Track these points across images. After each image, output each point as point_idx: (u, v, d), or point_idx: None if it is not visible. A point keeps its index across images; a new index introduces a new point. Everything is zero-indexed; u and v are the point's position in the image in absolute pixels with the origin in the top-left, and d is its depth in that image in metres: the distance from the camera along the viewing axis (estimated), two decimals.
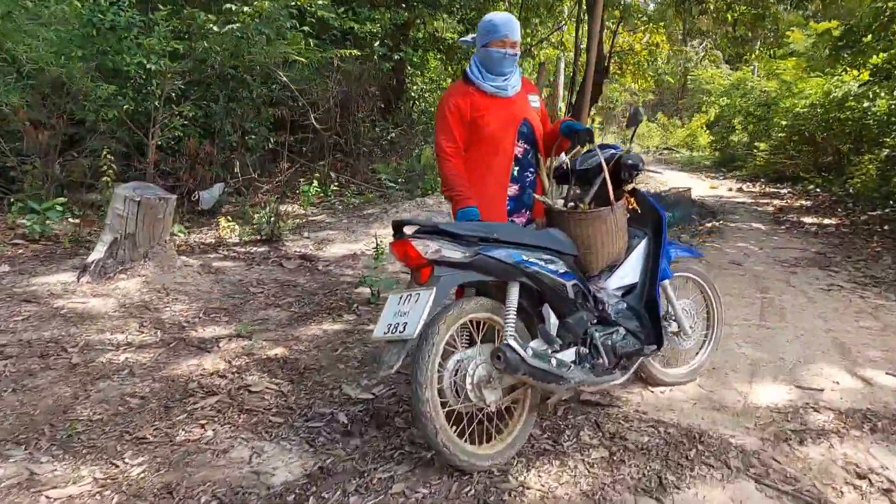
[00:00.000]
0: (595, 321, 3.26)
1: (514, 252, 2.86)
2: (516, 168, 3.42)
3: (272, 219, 6.39)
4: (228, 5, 7.61)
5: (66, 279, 4.88)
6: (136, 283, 4.82)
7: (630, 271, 3.45)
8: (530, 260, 2.90)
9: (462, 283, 2.80)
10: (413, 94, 13.11)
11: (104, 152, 6.87)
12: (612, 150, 3.53)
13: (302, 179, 9.38)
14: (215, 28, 7.46)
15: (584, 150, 3.79)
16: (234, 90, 8.45)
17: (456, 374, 2.74)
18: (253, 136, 8.68)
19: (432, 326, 2.65)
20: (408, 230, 2.78)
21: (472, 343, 2.86)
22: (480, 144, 3.34)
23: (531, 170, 3.47)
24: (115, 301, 4.52)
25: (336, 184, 9.45)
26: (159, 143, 7.70)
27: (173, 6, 7.44)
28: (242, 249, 6.15)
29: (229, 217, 6.69)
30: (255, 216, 6.65)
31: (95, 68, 7.16)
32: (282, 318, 4.55)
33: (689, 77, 29.02)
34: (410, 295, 2.70)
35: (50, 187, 6.69)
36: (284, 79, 8.29)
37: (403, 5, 11.45)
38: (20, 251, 5.66)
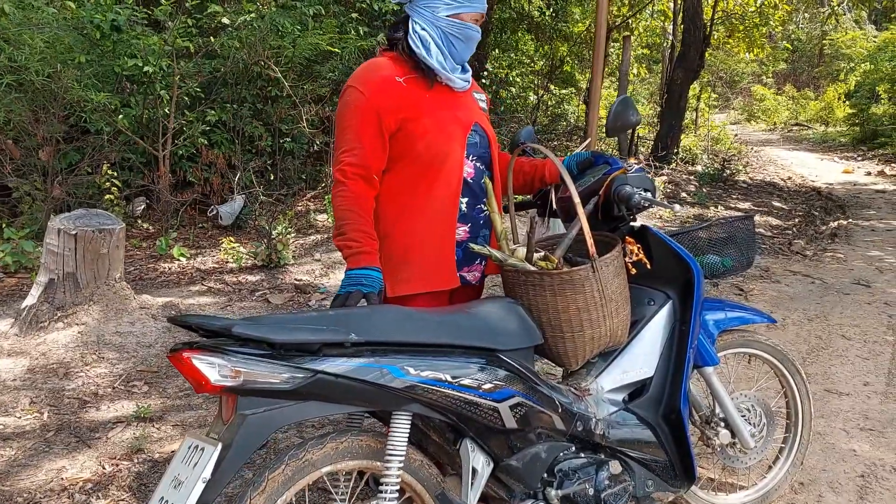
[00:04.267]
0: (572, 450, 2.02)
1: (392, 364, 1.68)
2: (465, 199, 2.22)
3: (268, 241, 5.44)
4: None
5: (2, 328, 4.14)
6: (70, 334, 3.99)
7: (639, 360, 2.17)
8: (424, 376, 1.71)
9: (287, 424, 1.65)
10: (485, 80, 11.80)
11: (104, 167, 6.21)
12: (605, 167, 2.26)
13: None
14: (226, 20, 6.62)
15: (581, 148, 2.57)
16: (262, 89, 7.59)
17: None
18: (289, 139, 7.80)
19: None
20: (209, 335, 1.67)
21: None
22: (411, 164, 2.15)
23: (485, 200, 2.25)
24: (28, 361, 3.70)
25: None
26: (181, 152, 6.99)
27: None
28: (234, 278, 5.25)
29: (232, 238, 5.81)
30: (264, 238, 5.73)
31: (103, 74, 6.53)
32: None
33: (825, 41, 25.76)
34: (197, 447, 1.59)
35: (49, 210, 6.09)
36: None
37: None
38: None
